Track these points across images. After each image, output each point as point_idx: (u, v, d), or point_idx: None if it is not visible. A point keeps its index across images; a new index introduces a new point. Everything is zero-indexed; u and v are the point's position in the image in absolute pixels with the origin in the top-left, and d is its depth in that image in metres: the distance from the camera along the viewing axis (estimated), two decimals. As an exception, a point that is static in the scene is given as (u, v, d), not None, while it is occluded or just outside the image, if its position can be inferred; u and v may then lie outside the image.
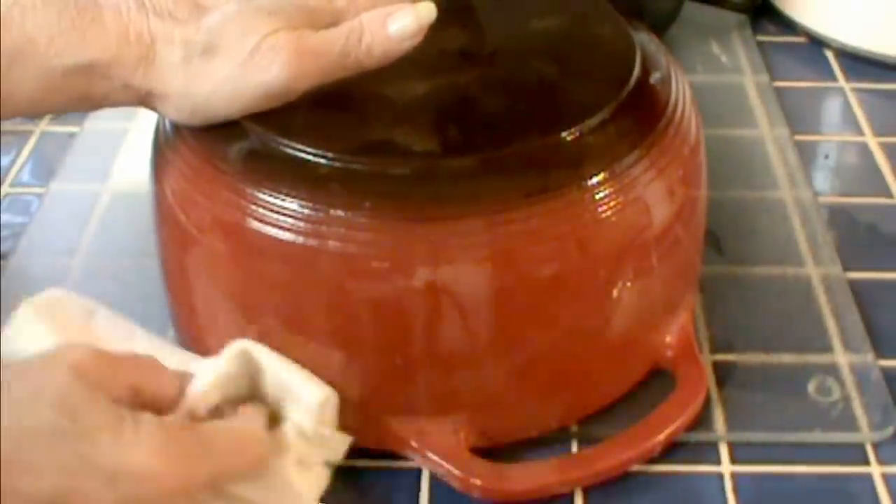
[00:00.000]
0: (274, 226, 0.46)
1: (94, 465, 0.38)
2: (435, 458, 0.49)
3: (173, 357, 0.47)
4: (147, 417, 0.40)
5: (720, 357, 0.56)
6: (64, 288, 0.60)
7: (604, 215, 0.47)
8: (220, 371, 0.45)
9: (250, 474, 0.44)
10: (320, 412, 0.46)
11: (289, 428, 0.46)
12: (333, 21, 0.49)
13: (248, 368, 0.46)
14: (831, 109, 0.78)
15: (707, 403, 0.53)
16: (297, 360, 0.47)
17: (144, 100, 0.49)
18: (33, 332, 0.47)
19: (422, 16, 0.49)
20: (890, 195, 0.68)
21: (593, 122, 0.48)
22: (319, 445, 0.46)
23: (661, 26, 0.80)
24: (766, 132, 0.73)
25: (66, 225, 0.65)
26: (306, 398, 0.46)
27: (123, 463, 0.39)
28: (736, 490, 0.50)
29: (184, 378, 0.44)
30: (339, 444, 0.47)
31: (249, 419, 0.45)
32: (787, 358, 0.56)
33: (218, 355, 0.46)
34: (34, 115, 0.53)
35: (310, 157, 0.47)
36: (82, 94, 0.48)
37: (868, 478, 0.51)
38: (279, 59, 0.47)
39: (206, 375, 0.45)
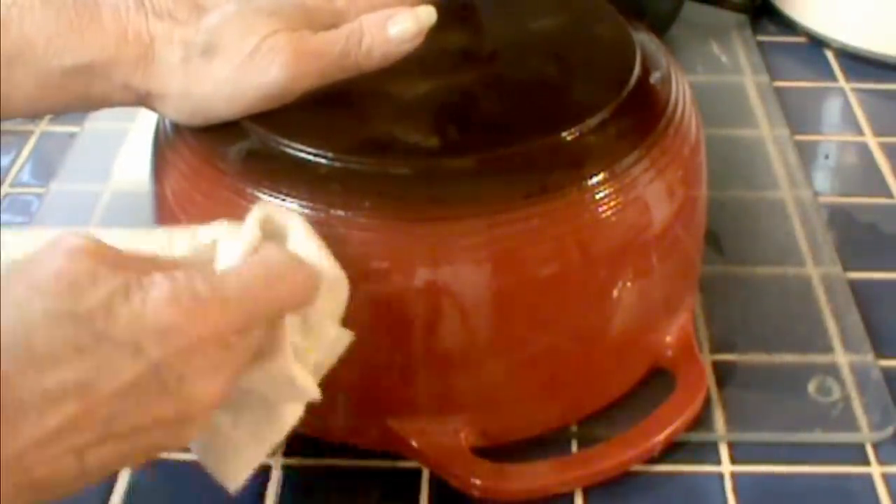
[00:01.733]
0: (274, 226, 0.46)
1: (112, 339, 0.36)
2: (435, 457, 0.49)
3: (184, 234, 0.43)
4: (154, 276, 0.38)
5: (720, 357, 0.56)
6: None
7: (604, 215, 0.47)
8: (247, 246, 0.42)
9: (301, 306, 0.41)
10: (326, 298, 0.43)
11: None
12: (333, 22, 0.49)
13: (271, 234, 0.43)
14: (831, 109, 0.78)
15: (707, 403, 0.53)
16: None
17: (144, 100, 0.49)
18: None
19: (422, 19, 0.49)
20: (890, 195, 0.68)
21: (593, 122, 0.48)
22: (317, 337, 0.43)
23: (661, 26, 0.80)
24: (767, 132, 0.73)
25: (67, 225, 0.65)
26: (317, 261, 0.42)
27: (139, 326, 0.37)
28: (736, 490, 0.50)
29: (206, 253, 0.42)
30: (339, 340, 0.44)
31: (275, 253, 0.41)
32: (787, 358, 0.56)
33: (242, 224, 0.43)
34: (34, 115, 0.53)
35: (310, 157, 0.47)
36: (81, 95, 0.48)
37: (868, 478, 0.51)
38: (279, 61, 0.47)
39: (233, 252, 0.41)
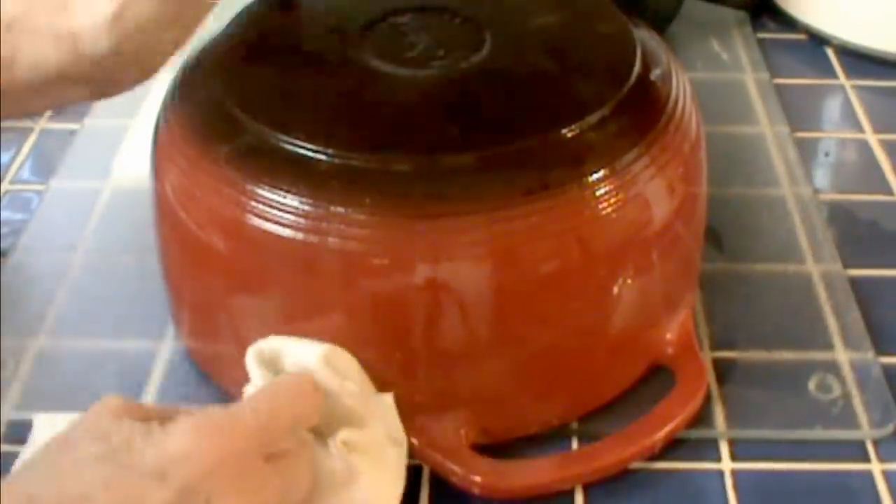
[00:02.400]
0: (274, 222, 0.46)
1: (137, 470, 0.38)
2: (435, 455, 0.49)
3: None
4: (176, 416, 0.40)
5: (720, 354, 0.56)
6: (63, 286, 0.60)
7: (604, 212, 0.47)
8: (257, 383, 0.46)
9: (307, 421, 0.44)
10: (325, 366, 0.46)
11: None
12: None
13: (272, 367, 0.47)
14: (831, 106, 0.78)
15: (707, 400, 0.53)
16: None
17: (77, 55, 0.45)
18: None
19: None
20: (890, 192, 0.68)
21: (594, 118, 0.48)
22: (355, 405, 0.46)
23: (661, 23, 0.80)
24: (767, 129, 0.73)
25: (67, 222, 0.65)
26: (305, 358, 0.46)
27: (162, 455, 0.39)
28: (736, 487, 0.50)
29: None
30: (382, 402, 0.47)
31: (275, 379, 0.45)
32: (787, 355, 0.56)
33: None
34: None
35: (310, 154, 0.47)
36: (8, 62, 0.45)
37: (868, 475, 0.50)
38: None
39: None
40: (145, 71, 0.47)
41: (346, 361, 0.47)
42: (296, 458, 0.43)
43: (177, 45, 0.47)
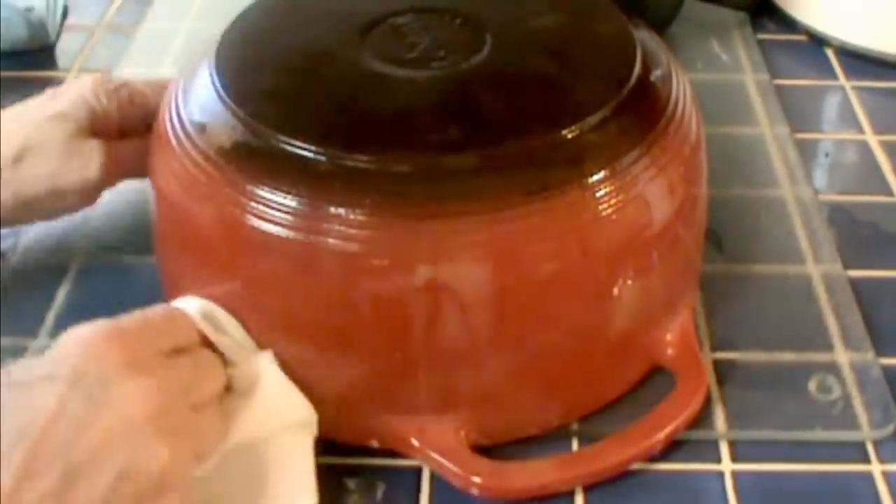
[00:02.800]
0: (274, 223, 0.46)
1: (29, 382, 0.40)
2: (435, 456, 0.49)
3: None
4: None
5: (721, 355, 0.56)
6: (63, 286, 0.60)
7: (604, 213, 0.47)
8: None
9: (183, 337, 0.46)
10: (203, 320, 0.47)
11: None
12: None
13: None
14: (831, 107, 0.78)
15: (707, 402, 0.53)
16: (296, 358, 0.48)
17: None
18: None
19: None
20: (890, 193, 0.68)
21: (594, 119, 0.48)
22: (237, 359, 0.47)
23: (661, 24, 0.80)
24: (767, 130, 0.73)
25: (66, 222, 0.65)
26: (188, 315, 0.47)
27: (48, 360, 0.41)
28: (737, 488, 0.50)
29: None
30: (262, 359, 0.48)
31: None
32: (787, 356, 0.56)
33: None
34: None
35: (310, 155, 0.47)
36: None
37: (868, 476, 0.51)
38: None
39: None
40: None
41: (225, 318, 0.48)
42: (202, 354, 0.46)
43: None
